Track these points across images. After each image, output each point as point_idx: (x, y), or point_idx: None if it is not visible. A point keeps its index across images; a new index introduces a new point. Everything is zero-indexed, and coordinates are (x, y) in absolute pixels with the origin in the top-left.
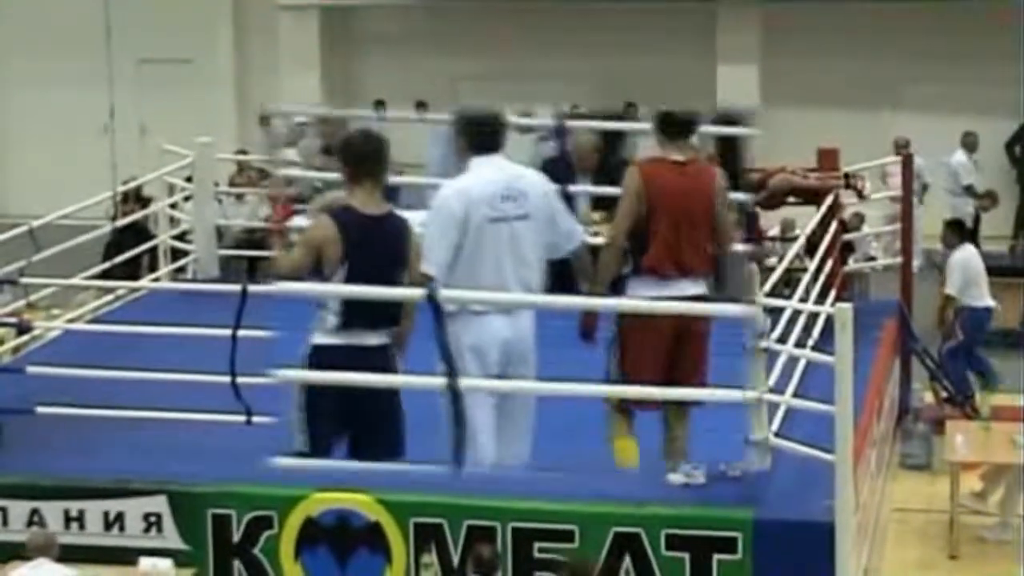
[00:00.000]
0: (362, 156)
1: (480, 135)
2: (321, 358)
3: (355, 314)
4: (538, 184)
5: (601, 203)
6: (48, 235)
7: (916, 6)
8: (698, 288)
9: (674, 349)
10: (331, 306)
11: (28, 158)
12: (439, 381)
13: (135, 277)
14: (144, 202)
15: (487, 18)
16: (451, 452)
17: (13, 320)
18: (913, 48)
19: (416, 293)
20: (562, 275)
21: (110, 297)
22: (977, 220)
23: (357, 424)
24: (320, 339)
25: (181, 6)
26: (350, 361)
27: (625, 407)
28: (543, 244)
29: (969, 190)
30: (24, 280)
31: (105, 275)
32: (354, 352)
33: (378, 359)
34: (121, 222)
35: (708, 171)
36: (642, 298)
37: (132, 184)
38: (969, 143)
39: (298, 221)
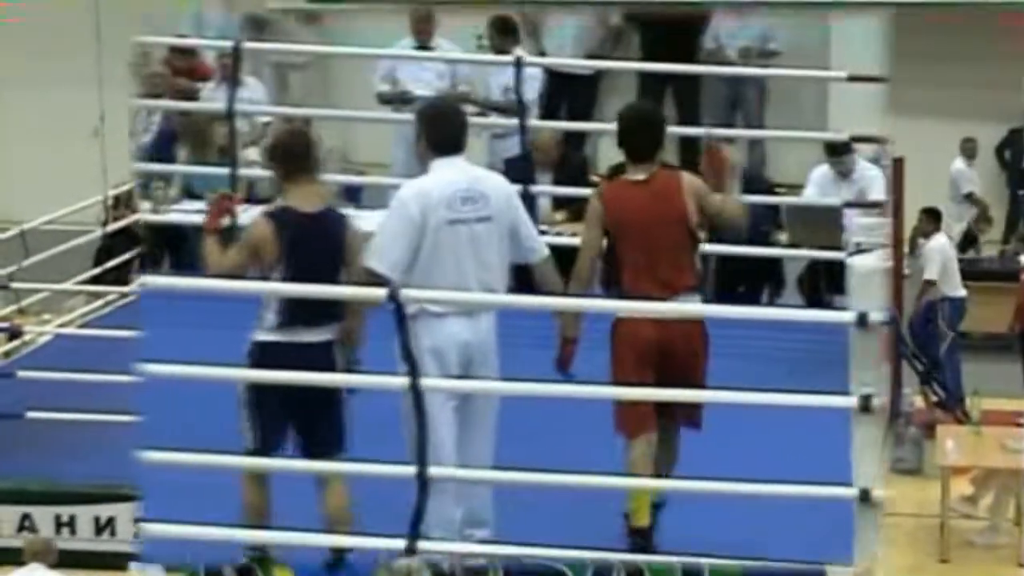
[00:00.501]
0: (292, 154)
1: (442, 135)
2: (262, 355)
3: (294, 312)
4: (501, 187)
5: (563, 202)
6: (39, 239)
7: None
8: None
9: (661, 369)
10: (271, 304)
11: (17, 161)
12: (398, 381)
13: (126, 282)
14: (135, 207)
15: None
16: (413, 454)
17: (4, 325)
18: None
19: (378, 292)
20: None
21: (101, 302)
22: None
23: (300, 420)
24: (261, 336)
25: (172, 9)
26: (290, 358)
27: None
28: (506, 247)
29: (969, 197)
30: (15, 285)
31: (96, 280)
32: (294, 349)
33: (319, 356)
34: (112, 227)
35: (674, 180)
36: (625, 322)
37: (123, 188)
38: (968, 149)
39: (240, 219)
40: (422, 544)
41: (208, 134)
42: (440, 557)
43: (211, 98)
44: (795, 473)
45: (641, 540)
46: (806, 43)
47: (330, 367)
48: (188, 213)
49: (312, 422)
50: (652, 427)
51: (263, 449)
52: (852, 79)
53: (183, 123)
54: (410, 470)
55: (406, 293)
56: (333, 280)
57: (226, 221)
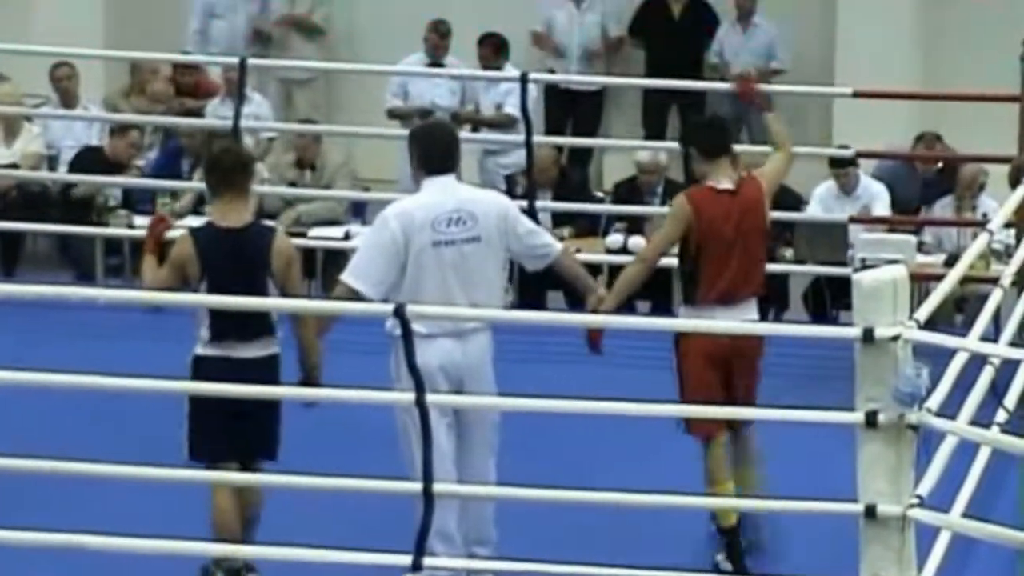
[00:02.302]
0: (219, 168)
1: (431, 154)
2: (200, 368)
3: (222, 327)
4: (493, 205)
5: (564, 219)
6: None
7: None
8: (751, 313)
9: (728, 372)
10: (203, 320)
11: None
12: (399, 397)
13: None
14: None
15: None
16: (411, 469)
17: None
18: None
19: (385, 308)
20: (530, 291)
21: None
22: None
23: (235, 431)
24: (200, 350)
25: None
26: (227, 372)
27: (705, 434)
28: (499, 266)
29: None
30: None
31: None
32: (231, 364)
33: (257, 371)
34: None
35: (757, 187)
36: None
37: None
38: None
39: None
40: (427, 560)
41: (220, 138)
42: (445, 574)
43: (217, 114)
44: (800, 488)
45: (731, 537)
46: (810, 57)
47: (271, 383)
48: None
49: (248, 435)
50: (722, 429)
51: (200, 461)
52: (857, 95)
53: (190, 139)
54: (416, 486)
55: (412, 310)
56: (256, 294)
57: (166, 236)
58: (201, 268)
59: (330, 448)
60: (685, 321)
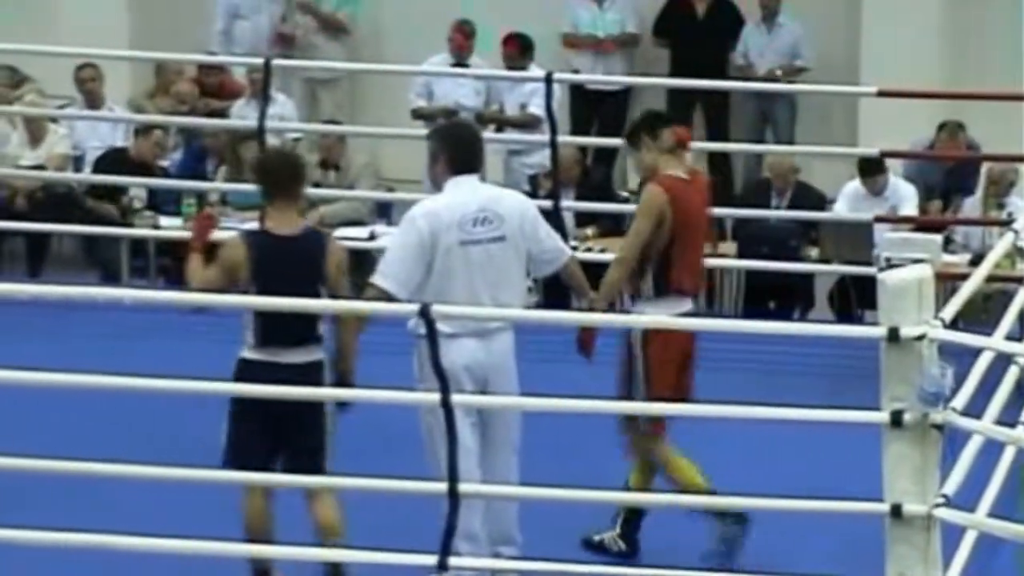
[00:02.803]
0: (275, 174)
1: (458, 155)
2: (245, 372)
3: (270, 332)
4: (516, 205)
5: (587, 218)
6: None
7: None
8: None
9: (684, 368)
10: (248, 324)
11: None
12: (424, 397)
13: None
14: None
15: None
16: (438, 470)
17: None
18: None
19: (410, 308)
20: (556, 291)
21: None
22: None
23: (278, 438)
24: (245, 354)
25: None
26: (272, 377)
27: (659, 430)
28: (522, 266)
29: None
30: None
31: None
32: (277, 368)
33: (302, 377)
34: None
35: (703, 179)
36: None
37: None
38: None
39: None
40: (453, 560)
41: (240, 150)
42: (470, 574)
43: (241, 115)
44: (826, 488)
45: (631, 516)
46: (836, 56)
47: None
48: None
49: (291, 442)
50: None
51: (238, 465)
52: (882, 94)
53: (214, 140)
54: (441, 486)
55: (438, 310)
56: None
57: (212, 236)
58: (252, 274)
59: (355, 448)
60: (715, 321)
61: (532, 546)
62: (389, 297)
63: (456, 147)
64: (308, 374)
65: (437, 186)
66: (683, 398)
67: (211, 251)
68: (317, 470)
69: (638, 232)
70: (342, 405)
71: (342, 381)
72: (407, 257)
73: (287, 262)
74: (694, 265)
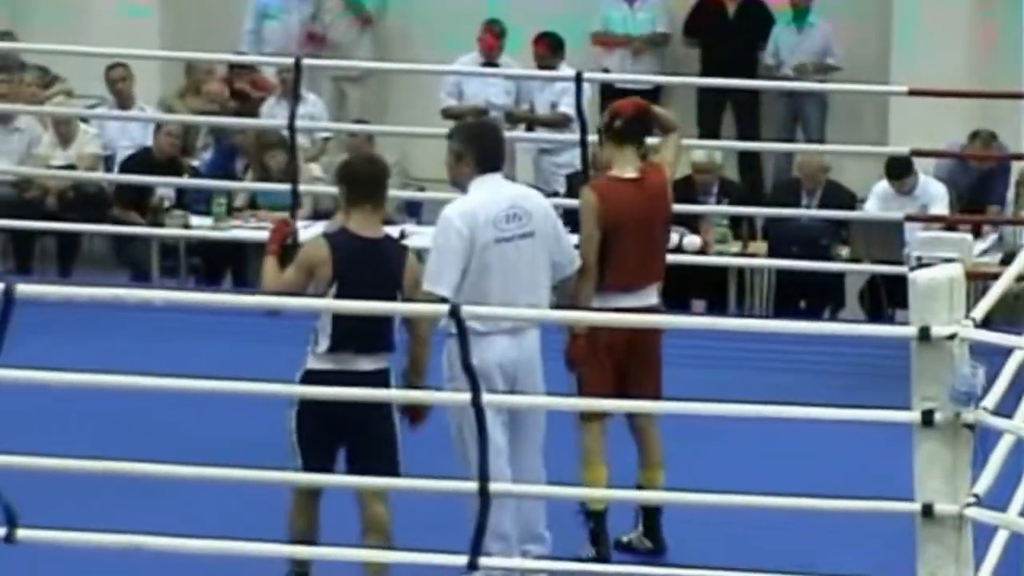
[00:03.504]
0: (363, 181)
1: (486, 153)
2: (312, 384)
3: (345, 337)
4: (541, 203)
5: None
6: None
7: None
8: (652, 298)
9: (626, 363)
10: (324, 329)
11: None
12: (456, 397)
13: None
14: None
15: None
16: (468, 470)
17: None
18: None
19: (439, 309)
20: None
21: None
22: None
23: (349, 449)
24: (312, 364)
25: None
26: (342, 386)
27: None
28: (548, 262)
29: None
30: None
31: None
32: (346, 378)
33: (372, 385)
34: None
35: (660, 175)
36: (604, 310)
37: None
38: None
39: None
40: (483, 560)
41: (265, 158)
42: (500, 573)
43: (271, 114)
44: (857, 488)
45: (597, 524)
46: (866, 55)
47: (383, 399)
48: (250, 229)
49: (363, 453)
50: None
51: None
52: (913, 93)
53: (245, 139)
54: (472, 486)
55: (467, 310)
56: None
57: (288, 241)
58: (334, 273)
59: None
60: (746, 321)
61: (556, 545)
62: (444, 303)
63: (482, 146)
64: (378, 382)
65: (458, 185)
66: (623, 393)
67: (284, 257)
68: (388, 473)
69: (587, 238)
70: (413, 419)
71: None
72: (452, 259)
73: (369, 264)
74: (630, 262)
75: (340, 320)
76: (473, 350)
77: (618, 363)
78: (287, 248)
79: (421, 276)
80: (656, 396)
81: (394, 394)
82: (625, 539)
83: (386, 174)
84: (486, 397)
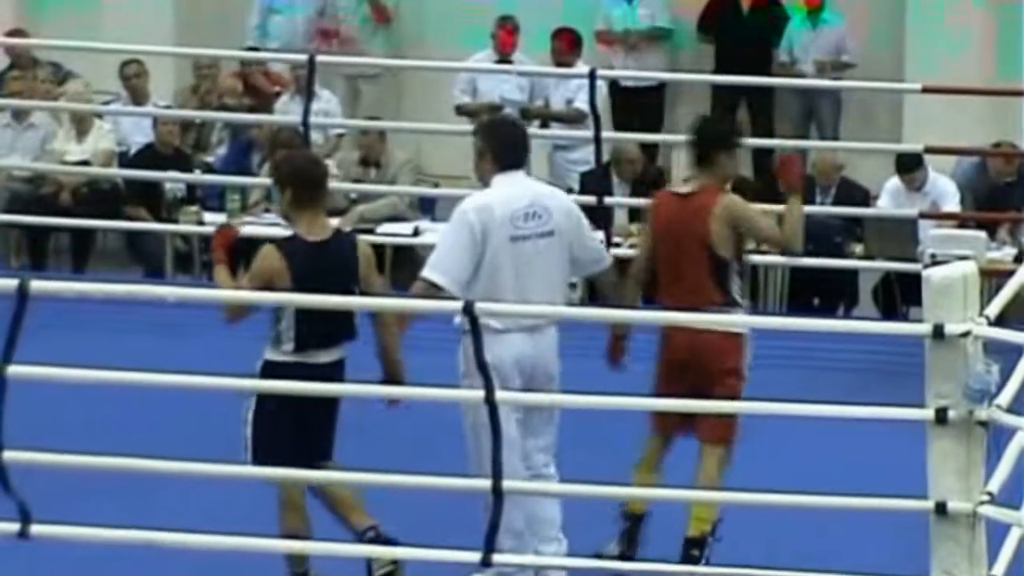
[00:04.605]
0: (304, 182)
1: (507, 150)
2: (273, 375)
3: (309, 337)
4: (563, 202)
5: (637, 215)
6: None
7: None
8: (710, 324)
9: (695, 383)
10: (285, 330)
11: None
12: (468, 394)
13: None
14: None
15: None
16: (478, 466)
17: None
18: None
19: (454, 305)
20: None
21: None
22: None
23: (303, 436)
24: (271, 355)
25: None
26: (302, 378)
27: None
28: (567, 262)
29: None
30: None
31: None
32: (305, 369)
33: (330, 375)
34: None
35: (710, 200)
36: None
37: None
38: None
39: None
40: (497, 557)
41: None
42: (512, 570)
43: (285, 111)
44: (871, 485)
45: (633, 525)
46: (880, 52)
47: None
48: (264, 225)
49: (316, 440)
50: (670, 430)
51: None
52: (927, 90)
53: (261, 133)
54: (485, 483)
55: (481, 307)
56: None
57: (233, 245)
58: (293, 282)
59: (397, 445)
60: (760, 318)
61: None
62: (438, 290)
63: (503, 143)
64: (335, 372)
65: (483, 182)
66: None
67: (232, 261)
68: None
69: (640, 242)
70: (392, 401)
71: (392, 378)
72: (458, 251)
73: (323, 267)
74: (666, 278)
75: (304, 323)
76: (489, 347)
77: (684, 384)
78: (235, 252)
79: (372, 259)
80: (718, 419)
81: (404, 391)
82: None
83: (324, 173)
84: (500, 395)
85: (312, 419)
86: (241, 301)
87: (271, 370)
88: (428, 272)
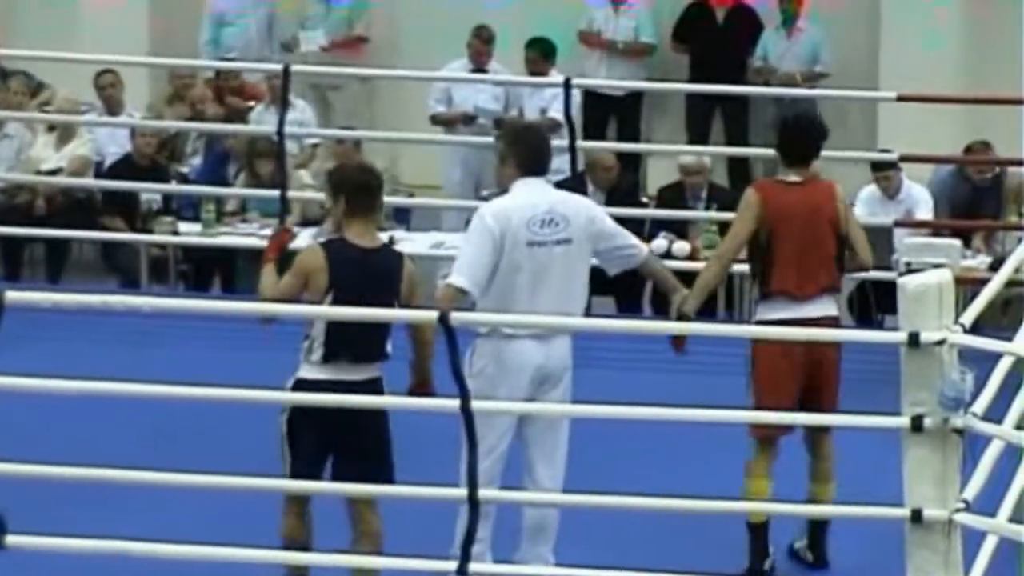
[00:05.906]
0: (361, 189)
1: (529, 156)
2: (305, 392)
3: (339, 347)
4: (582, 208)
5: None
6: None
7: None
8: (829, 309)
9: (808, 376)
10: (316, 336)
11: None
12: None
13: None
14: None
15: None
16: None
17: None
18: None
19: (429, 316)
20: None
21: None
22: None
23: (340, 459)
24: (304, 373)
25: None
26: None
27: (762, 436)
28: (586, 270)
29: None
30: None
31: None
32: (339, 388)
33: (365, 395)
34: None
35: (828, 186)
36: (772, 322)
37: None
38: None
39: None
40: (473, 567)
41: (256, 166)
42: None
43: (260, 120)
44: (846, 493)
45: (757, 534)
46: (854, 61)
47: (377, 408)
48: (239, 236)
49: (355, 463)
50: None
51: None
52: (901, 99)
53: (237, 143)
54: (461, 492)
55: (456, 316)
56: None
57: (287, 249)
58: (330, 281)
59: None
60: (752, 328)
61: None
62: (464, 295)
63: (525, 149)
64: (371, 392)
65: (504, 187)
66: (807, 408)
67: (281, 265)
68: (381, 482)
69: (733, 234)
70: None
71: (422, 390)
72: (480, 256)
73: (365, 274)
74: (791, 266)
75: (335, 330)
76: (500, 352)
77: (800, 383)
78: (284, 256)
79: (418, 282)
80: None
81: (399, 401)
82: (797, 545)
83: (381, 183)
84: (506, 405)
85: (348, 435)
86: (265, 311)
87: (302, 388)
88: (454, 277)
